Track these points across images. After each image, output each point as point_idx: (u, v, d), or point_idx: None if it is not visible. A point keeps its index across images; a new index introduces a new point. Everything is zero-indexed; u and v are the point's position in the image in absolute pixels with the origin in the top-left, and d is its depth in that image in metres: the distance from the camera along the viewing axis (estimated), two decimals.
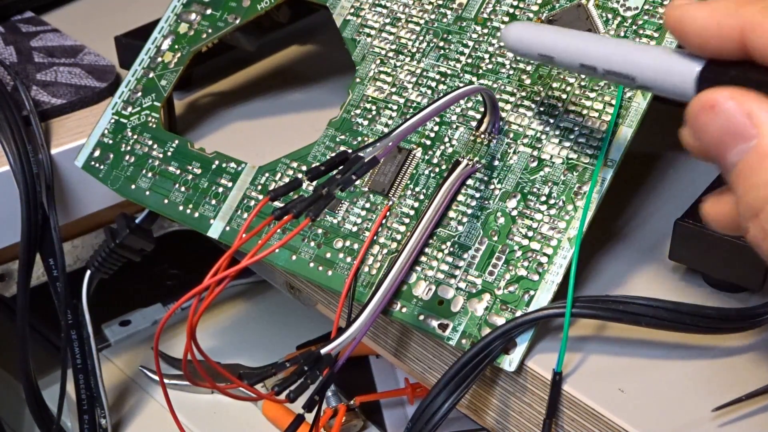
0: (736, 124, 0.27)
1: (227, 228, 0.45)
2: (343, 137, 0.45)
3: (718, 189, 0.30)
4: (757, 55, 0.28)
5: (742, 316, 0.37)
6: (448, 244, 0.40)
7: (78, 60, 0.58)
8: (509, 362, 0.38)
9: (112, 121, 0.51)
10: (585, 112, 0.41)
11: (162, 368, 0.51)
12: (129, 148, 0.49)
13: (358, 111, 0.45)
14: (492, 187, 0.41)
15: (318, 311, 0.49)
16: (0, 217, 0.51)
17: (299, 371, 0.35)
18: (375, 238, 0.42)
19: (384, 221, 0.42)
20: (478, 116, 0.42)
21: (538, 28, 0.38)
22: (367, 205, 0.43)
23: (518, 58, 0.43)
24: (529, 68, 0.42)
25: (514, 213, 0.40)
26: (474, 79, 0.43)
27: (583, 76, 0.41)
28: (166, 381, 0.61)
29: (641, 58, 0.32)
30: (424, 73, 0.45)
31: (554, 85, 0.42)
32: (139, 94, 0.51)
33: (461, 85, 0.44)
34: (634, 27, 0.41)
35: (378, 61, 0.46)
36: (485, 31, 0.44)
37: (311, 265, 0.42)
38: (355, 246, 0.42)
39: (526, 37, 0.37)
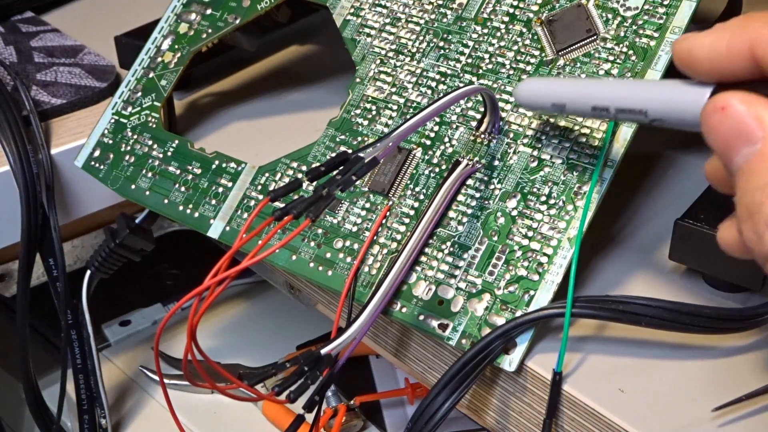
0: (745, 126, 0.28)
1: (227, 228, 0.45)
2: (343, 137, 0.45)
3: (732, 215, 0.30)
4: None
5: (742, 316, 0.37)
6: (448, 244, 0.40)
7: (78, 60, 0.58)
8: (509, 362, 0.38)
9: (112, 121, 0.51)
10: None
11: (162, 368, 0.51)
12: (129, 148, 0.50)
13: (358, 111, 0.45)
14: (492, 187, 0.41)
15: (318, 311, 0.49)
16: (0, 217, 0.51)
17: (299, 371, 0.35)
18: (375, 238, 0.42)
19: (384, 221, 0.42)
20: (478, 116, 0.42)
21: (548, 81, 0.39)
22: (367, 205, 0.43)
23: (518, 58, 0.43)
24: (529, 68, 0.42)
25: (514, 213, 0.40)
26: (474, 79, 0.43)
27: (583, 75, 0.41)
28: (166, 381, 0.61)
29: (650, 93, 0.33)
30: (424, 73, 0.45)
31: None
32: (139, 94, 0.51)
33: (461, 85, 0.44)
34: (634, 27, 0.41)
35: (378, 61, 0.46)
36: (485, 31, 0.44)
37: (311, 265, 0.42)
38: (355, 246, 0.42)
39: (538, 91, 0.38)
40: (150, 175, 0.48)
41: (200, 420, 0.61)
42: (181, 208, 0.47)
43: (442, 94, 0.41)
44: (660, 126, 0.33)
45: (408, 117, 0.38)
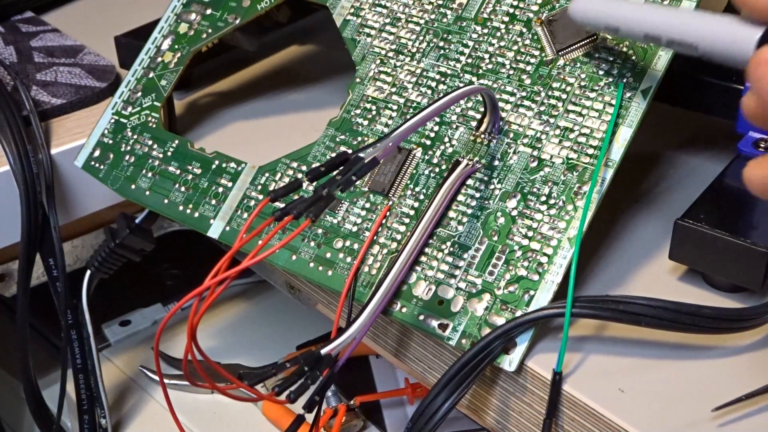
0: None
1: (227, 228, 0.45)
2: (343, 137, 0.45)
3: (760, 156, 0.32)
4: None
5: (742, 316, 0.37)
6: (448, 244, 0.40)
7: (78, 60, 0.58)
8: (509, 362, 0.38)
9: (112, 121, 0.51)
10: (585, 112, 0.41)
11: (162, 368, 0.51)
12: (129, 148, 0.50)
13: (358, 111, 0.45)
14: (492, 187, 0.41)
15: (318, 311, 0.49)
16: (0, 217, 0.51)
17: (299, 371, 0.35)
18: (375, 238, 0.42)
19: (384, 221, 0.42)
20: (478, 116, 0.42)
21: (603, 2, 0.39)
22: (367, 205, 0.43)
23: (518, 58, 0.43)
24: (529, 68, 0.42)
25: (514, 213, 0.40)
26: (474, 79, 0.43)
27: (583, 75, 0.41)
28: (166, 381, 0.61)
29: (703, 28, 0.33)
30: (424, 73, 0.45)
31: (554, 85, 0.42)
32: (139, 94, 0.51)
33: (461, 85, 0.44)
34: None
35: (378, 61, 0.46)
36: (485, 31, 0.44)
37: (311, 265, 0.42)
38: (355, 246, 0.42)
39: (593, 10, 0.39)
40: (150, 175, 0.48)
41: (200, 420, 0.61)
42: (181, 208, 0.47)
43: (442, 94, 0.41)
44: (709, 59, 0.33)
45: (408, 117, 0.38)
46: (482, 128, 0.42)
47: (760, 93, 0.30)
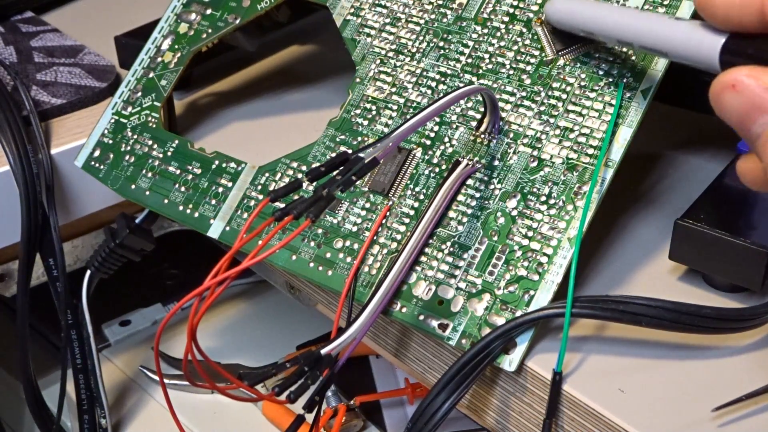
0: (757, 99, 0.30)
1: (227, 228, 0.45)
2: (343, 137, 0.45)
3: (748, 151, 0.32)
4: None
5: (742, 316, 0.37)
6: (448, 244, 0.40)
7: (78, 60, 0.58)
8: (509, 362, 0.38)
9: (112, 121, 0.51)
10: (585, 112, 0.41)
11: (162, 368, 0.51)
12: (129, 148, 0.50)
13: (358, 111, 0.45)
14: (492, 187, 0.41)
15: (318, 311, 0.49)
16: (0, 217, 0.51)
17: (299, 372, 0.35)
18: (375, 238, 0.42)
19: (384, 221, 0.42)
20: (478, 116, 0.42)
21: (580, 4, 0.40)
22: (367, 205, 0.43)
23: (518, 58, 0.43)
24: (529, 68, 0.42)
25: (514, 213, 0.40)
26: (474, 79, 0.43)
27: (583, 75, 0.41)
28: (166, 381, 0.61)
29: (671, 35, 0.35)
30: (424, 73, 0.45)
31: (554, 85, 0.42)
32: (139, 94, 0.51)
33: (461, 85, 0.44)
34: None
35: (378, 61, 0.46)
36: (485, 31, 0.44)
37: (311, 265, 0.42)
38: (355, 246, 0.42)
39: (569, 13, 0.40)
40: (150, 175, 0.48)
41: (200, 420, 0.61)
42: (181, 208, 0.47)
43: (442, 94, 0.41)
44: (682, 63, 0.35)
45: (408, 117, 0.38)
46: (482, 128, 0.42)
47: (732, 121, 0.31)
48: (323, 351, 0.36)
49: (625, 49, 0.41)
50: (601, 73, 0.41)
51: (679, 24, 0.35)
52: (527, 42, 0.43)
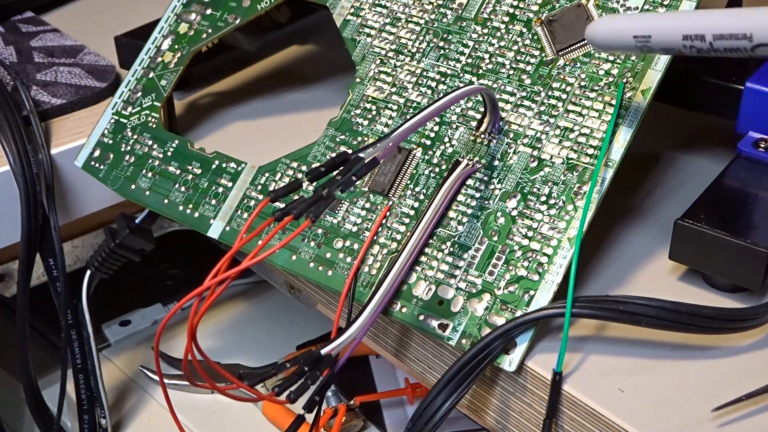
0: None
1: (227, 228, 0.45)
2: (343, 137, 0.45)
3: None
4: None
5: (742, 316, 0.37)
6: (448, 244, 0.40)
7: (78, 60, 0.58)
8: (509, 362, 0.38)
9: (112, 121, 0.51)
10: (585, 112, 0.41)
11: (162, 368, 0.51)
12: (129, 148, 0.50)
13: (358, 111, 0.45)
14: (492, 187, 0.41)
15: (318, 311, 0.49)
16: (0, 217, 0.51)
17: (299, 372, 0.35)
18: (375, 238, 0.42)
19: (384, 221, 0.42)
20: (478, 116, 0.42)
21: (628, 16, 0.36)
22: (367, 205, 0.43)
23: (518, 58, 0.43)
24: (529, 68, 0.42)
25: (514, 213, 0.40)
26: (474, 79, 0.43)
27: (583, 75, 0.41)
28: (166, 381, 0.61)
29: (754, 15, 0.30)
30: (424, 73, 0.45)
31: (554, 85, 0.42)
32: (139, 94, 0.51)
33: (461, 85, 0.44)
34: None
35: (378, 61, 0.46)
36: (485, 31, 0.44)
37: (311, 265, 0.42)
38: (355, 246, 0.42)
39: (617, 25, 0.36)
40: (150, 175, 0.48)
41: (200, 420, 0.61)
42: (181, 208, 0.47)
43: (442, 94, 0.41)
44: (762, 55, 0.31)
45: (408, 117, 0.38)
46: (482, 128, 0.42)
47: None
48: (323, 351, 0.36)
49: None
50: (601, 73, 0.41)
51: (754, 9, 0.31)
52: (527, 42, 0.43)
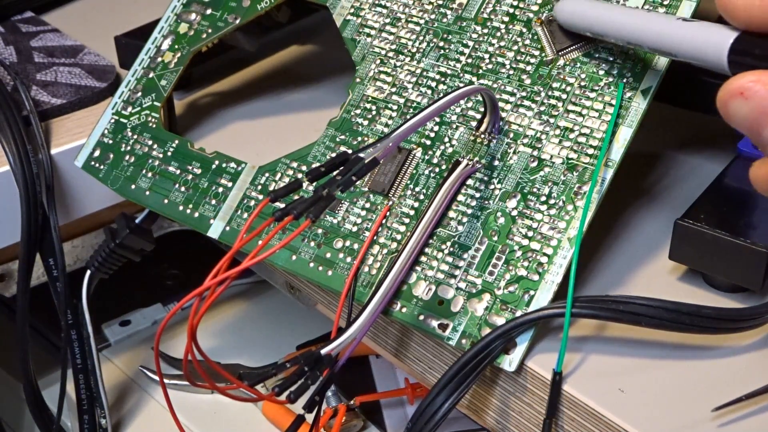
0: (766, 104, 0.30)
1: (227, 228, 0.45)
2: (343, 137, 0.45)
3: (764, 157, 0.32)
4: None
5: (742, 316, 0.37)
6: (448, 244, 0.40)
7: (78, 60, 0.58)
8: (509, 362, 0.38)
9: (112, 121, 0.51)
10: (585, 112, 0.41)
11: (162, 368, 0.51)
12: (129, 148, 0.50)
13: (358, 111, 0.45)
14: (492, 187, 0.41)
15: (318, 311, 0.49)
16: (0, 217, 0.51)
17: (299, 372, 0.35)
18: (375, 238, 0.42)
19: (384, 221, 0.42)
20: (478, 116, 0.42)
21: (589, 5, 0.40)
22: (367, 205, 0.43)
23: (518, 58, 0.43)
24: (529, 68, 0.42)
25: (514, 213, 0.40)
26: (474, 79, 0.43)
27: (583, 75, 0.41)
28: (166, 381, 0.61)
29: (680, 36, 0.35)
30: (424, 73, 0.45)
31: (554, 85, 0.42)
32: (139, 94, 0.51)
33: (461, 85, 0.44)
34: None
35: (378, 61, 0.46)
36: (485, 31, 0.44)
37: (311, 265, 0.42)
38: (355, 246, 0.42)
39: (579, 14, 0.40)
40: (150, 175, 0.48)
41: (200, 420, 0.61)
42: (181, 208, 0.47)
43: (442, 94, 0.41)
44: (693, 63, 0.35)
45: (408, 117, 0.38)
46: (482, 128, 0.42)
47: (742, 127, 0.31)
48: (323, 351, 0.36)
49: (632, 49, 0.41)
50: (601, 73, 0.41)
51: (687, 25, 0.35)
52: (527, 42, 0.43)
